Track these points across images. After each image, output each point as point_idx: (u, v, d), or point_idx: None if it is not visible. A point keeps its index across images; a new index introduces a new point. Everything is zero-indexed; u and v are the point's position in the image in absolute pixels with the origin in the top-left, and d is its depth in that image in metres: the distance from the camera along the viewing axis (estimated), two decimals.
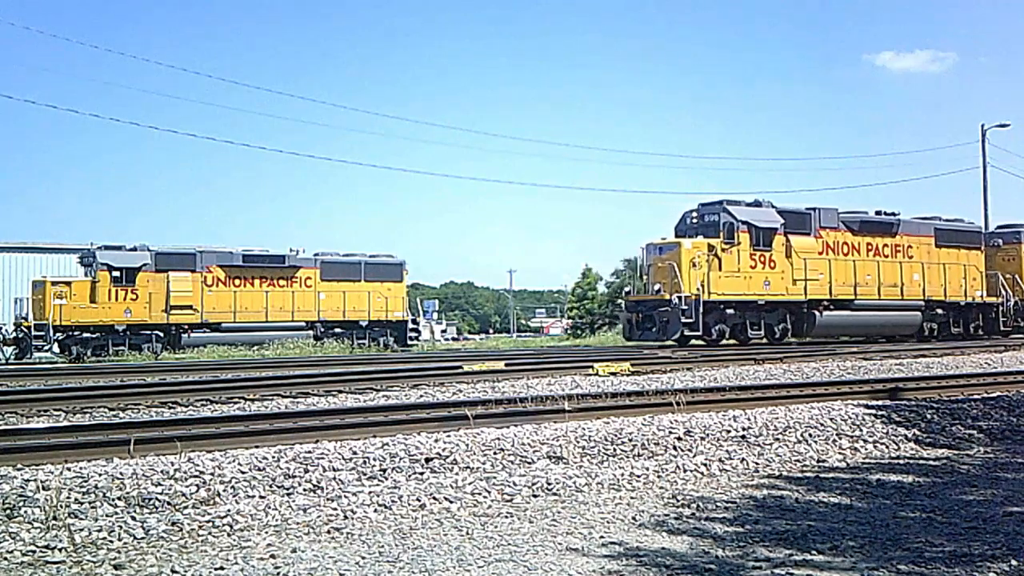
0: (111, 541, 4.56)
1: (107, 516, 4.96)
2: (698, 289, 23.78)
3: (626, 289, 26.98)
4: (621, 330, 27.20)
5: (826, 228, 26.55)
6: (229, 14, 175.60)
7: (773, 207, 25.84)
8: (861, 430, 7.89)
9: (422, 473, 6.10)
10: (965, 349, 21.95)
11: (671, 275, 23.82)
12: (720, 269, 24.40)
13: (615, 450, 6.92)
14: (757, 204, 25.81)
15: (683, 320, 23.42)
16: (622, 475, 6.22)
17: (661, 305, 24.04)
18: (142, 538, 4.62)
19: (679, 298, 23.49)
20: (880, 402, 9.50)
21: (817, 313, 26.00)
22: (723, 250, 24.49)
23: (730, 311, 24.81)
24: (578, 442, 6.96)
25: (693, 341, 24.52)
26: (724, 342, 25.02)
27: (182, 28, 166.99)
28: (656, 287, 24.43)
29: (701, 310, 23.63)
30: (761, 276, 25.09)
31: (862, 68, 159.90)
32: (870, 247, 27.46)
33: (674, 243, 24.78)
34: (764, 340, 25.40)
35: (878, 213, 28.47)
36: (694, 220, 25.42)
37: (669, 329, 23.79)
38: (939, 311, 28.89)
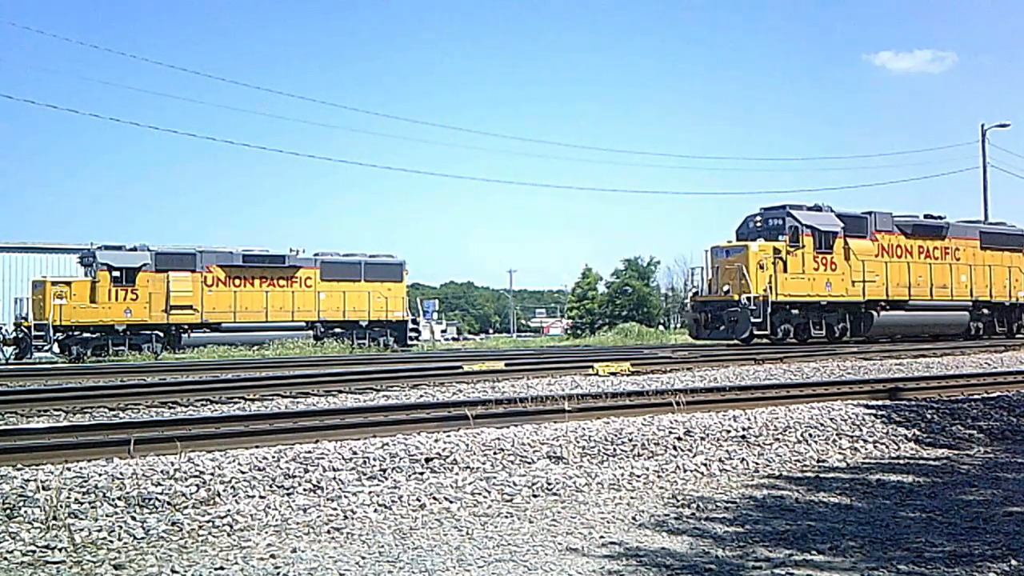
0: (111, 541, 4.56)
1: (107, 516, 4.96)
2: (765, 290, 24.77)
3: (692, 290, 27.72)
4: (688, 328, 28.10)
5: (881, 231, 27.58)
6: (229, 14, 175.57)
7: (832, 211, 26.82)
8: (861, 430, 7.89)
9: (422, 473, 6.10)
10: (965, 349, 21.95)
11: (739, 277, 24.80)
12: (786, 271, 25.42)
13: (615, 450, 6.92)
14: (818, 208, 26.77)
15: (752, 320, 24.39)
16: (622, 475, 6.22)
17: (730, 305, 24.99)
18: (142, 538, 4.62)
19: (748, 299, 24.39)
20: (880, 402, 9.50)
21: (875, 313, 27.00)
22: (788, 253, 25.52)
23: (795, 311, 25.86)
24: (578, 442, 6.96)
25: (757, 339, 25.46)
26: (785, 340, 25.77)
27: (182, 28, 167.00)
28: (725, 288, 25.35)
29: (769, 310, 24.61)
30: (823, 278, 26.12)
31: (861, 68, 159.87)
32: (921, 250, 28.43)
33: (741, 246, 25.64)
34: (825, 339, 26.15)
35: (927, 217, 29.35)
36: (757, 224, 26.46)
37: (738, 328, 24.73)
38: (985, 311, 29.91)
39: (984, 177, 41.05)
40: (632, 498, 5.67)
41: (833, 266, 26.20)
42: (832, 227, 26.32)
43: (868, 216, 27.42)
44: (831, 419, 8.13)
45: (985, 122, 41.82)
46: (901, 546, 4.40)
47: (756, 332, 24.69)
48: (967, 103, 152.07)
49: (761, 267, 24.91)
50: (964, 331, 29.14)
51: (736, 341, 25.09)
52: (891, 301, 27.26)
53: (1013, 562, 4.09)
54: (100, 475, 5.47)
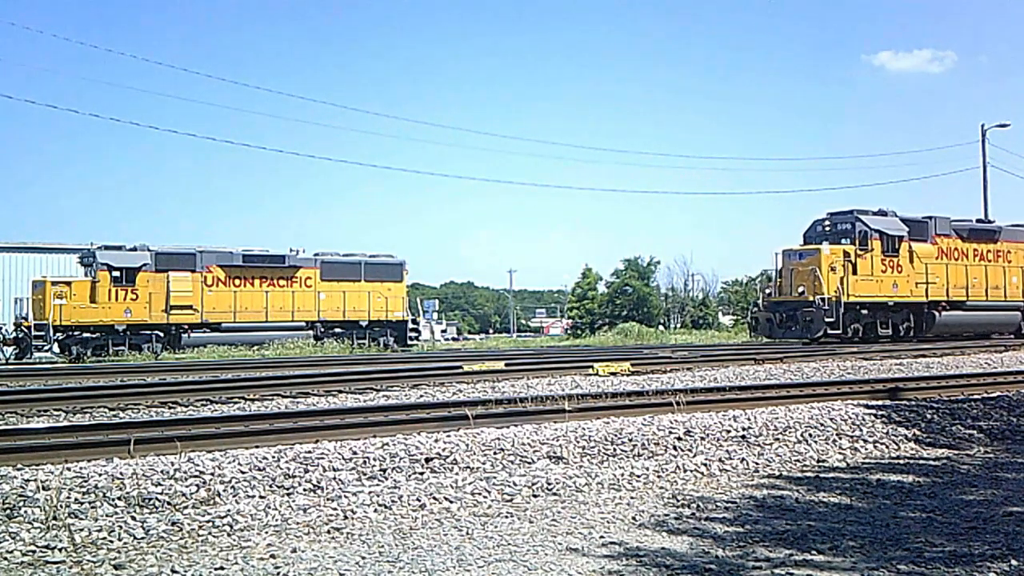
0: (111, 541, 4.56)
1: (107, 516, 4.96)
2: (837, 291, 26.16)
3: (767, 291, 29.21)
4: (760, 328, 28.94)
5: (940, 235, 29.09)
6: (228, 14, 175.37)
7: (896, 215, 28.28)
8: (861, 430, 7.89)
9: (422, 473, 6.10)
10: (965, 349, 21.95)
11: (813, 279, 26.18)
12: (855, 273, 26.86)
13: (615, 450, 6.92)
14: (883, 213, 28.11)
15: (826, 320, 25.81)
16: (622, 475, 6.22)
17: (805, 306, 26.39)
18: (142, 538, 4.62)
19: (822, 300, 25.84)
20: (880, 402, 9.50)
21: (936, 313, 28.48)
22: (858, 256, 26.99)
23: (864, 311, 27.22)
24: (578, 442, 6.96)
25: (825, 338, 26.29)
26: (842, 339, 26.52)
27: (181, 28, 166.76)
28: (800, 289, 26.73)
29: (842, 310, 26.00)
30: (890, 280, 27.65)
31: (861, 68, 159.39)
32: (976, 252, 30.05)
33: (814, 249, 27.01)
34: (890, 337, 27.43)
35: (979, 221, 30.94)
36: (826, 228, 27.89)
37: (813, 327, 26.12)
38: None
39: (984, 177, 41.03)
40: (632, 498, 5.67)
41: (899, 268, 27.69)
42: (898, 231, 27.69)
43: (929, 220, 28.84)
44: (831, 419, 8.14)
45: (985, 122, 41.84)
46: (901, 546, 4.40)
47: (830, 331, 25.89)
48: (967, 103, 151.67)
49: (833, 269, 26.26)
50: (1016, 330, 30.48)
51: (807, 340, 26.20)
52: (951, 302, 28.71)
53: (1013, 562, 4.09)
54: (100, 475, 5.47)
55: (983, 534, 4.65)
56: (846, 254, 26.72)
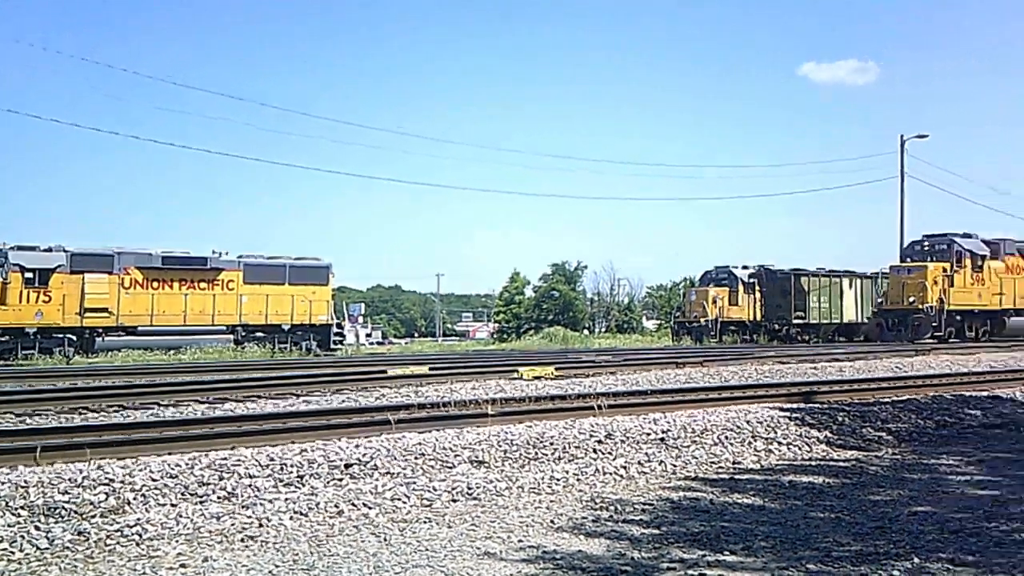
0: (12, 552, 4.39)
1: (9, 526, 4.77)
2: (939, 301, 31.69)
3: (878, 300, 35.54)
4: (868, 333, 34.81)
5: (1008, 254, 34.68)
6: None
7: (979, 238, 34.12)
8: (776, 432, 8.07)
9: (341, 479, 6.02)
10: (877, 354, 22.65)
11: (921, 290, 31.76)
12: (952, 286, 32.33)
13: (537, 454, 6.95)
14: (969, 236, 33.89)
15: (932, 324, 31.36)
16: (543, 479, 6.25)
17: (914, 313, 31.93)
18: (46, 548, 4.46)
19: (930, 308, 31.42)
20: (795, 405, 9.72)
21: (1006, 319, 34.01)
22: (954, 271, 32.48)
23: (958, 318, 32.71)
24: (500, 446, 6.96)
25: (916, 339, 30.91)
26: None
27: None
28: (910, 299, 32.11)
29: (944, 317, 31.62)
30: (976, 291, 33.31)
31: (787, 79, 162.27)
32: None
33: (921, 266, 32.70)
34: (974, 338, 32.48)
35: None
36: (924, 247, 33.98)
37: (920, 331, 31.46)
38: None
39: (901, 187, 42.29)
40: (552, 501, 5.70)
41: (982, 282, 33.32)
42: (983, 251, 33.37)
43: (1001, 242, 34.77)
44: (747, 422, 8.30)
45: (905, 132, 43.25)
46: (811, 546, 4.52)
47: (935, 335, 31.11)
48: (890, 114, 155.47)
49: (936, 282, 31.84)
50: None
51: (911, 340, 30.16)
52: (1016, 309, 34.29)
53: (916, 560, 4.23)
54: (3, 483, 5.26)
55: (889, 533, 4.80)
56: (944, 270, 32.13)
